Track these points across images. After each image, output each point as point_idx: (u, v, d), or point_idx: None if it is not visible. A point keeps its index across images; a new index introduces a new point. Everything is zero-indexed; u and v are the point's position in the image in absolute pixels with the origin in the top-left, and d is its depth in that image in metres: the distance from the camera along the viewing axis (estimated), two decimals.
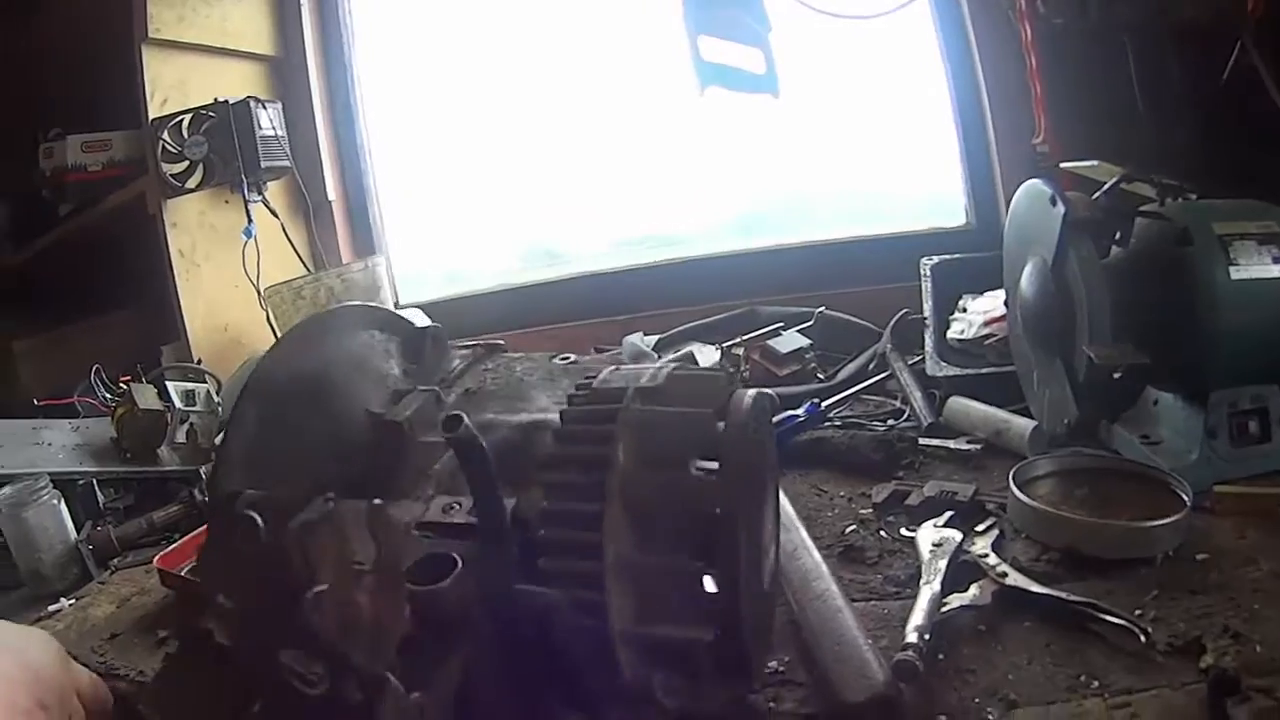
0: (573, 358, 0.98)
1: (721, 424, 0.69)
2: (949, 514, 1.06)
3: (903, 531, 1.07)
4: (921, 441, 1.30)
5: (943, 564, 0.94)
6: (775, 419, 1.37)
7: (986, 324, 1.47)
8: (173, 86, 2.04)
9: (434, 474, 0.76)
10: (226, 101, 1.97)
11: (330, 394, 0.85)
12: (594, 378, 0.78)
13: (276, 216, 2.10)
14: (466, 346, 1.03)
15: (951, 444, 1.28)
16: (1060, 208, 1.10)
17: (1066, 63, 1.41)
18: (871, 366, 1.58)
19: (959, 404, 1.34)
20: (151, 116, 1.96)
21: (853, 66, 1.92)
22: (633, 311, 2.00)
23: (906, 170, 1.95)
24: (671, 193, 2.21)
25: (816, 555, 0.97)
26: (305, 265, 2.16)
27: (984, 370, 1.37)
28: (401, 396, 0.86)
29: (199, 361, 1.96)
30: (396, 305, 2.29)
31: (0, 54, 2.06)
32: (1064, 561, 0.95)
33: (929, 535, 1.02)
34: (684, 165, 2.15)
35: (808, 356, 1.61)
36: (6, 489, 1.34)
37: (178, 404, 1.64)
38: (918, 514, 1.10)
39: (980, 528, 1.02)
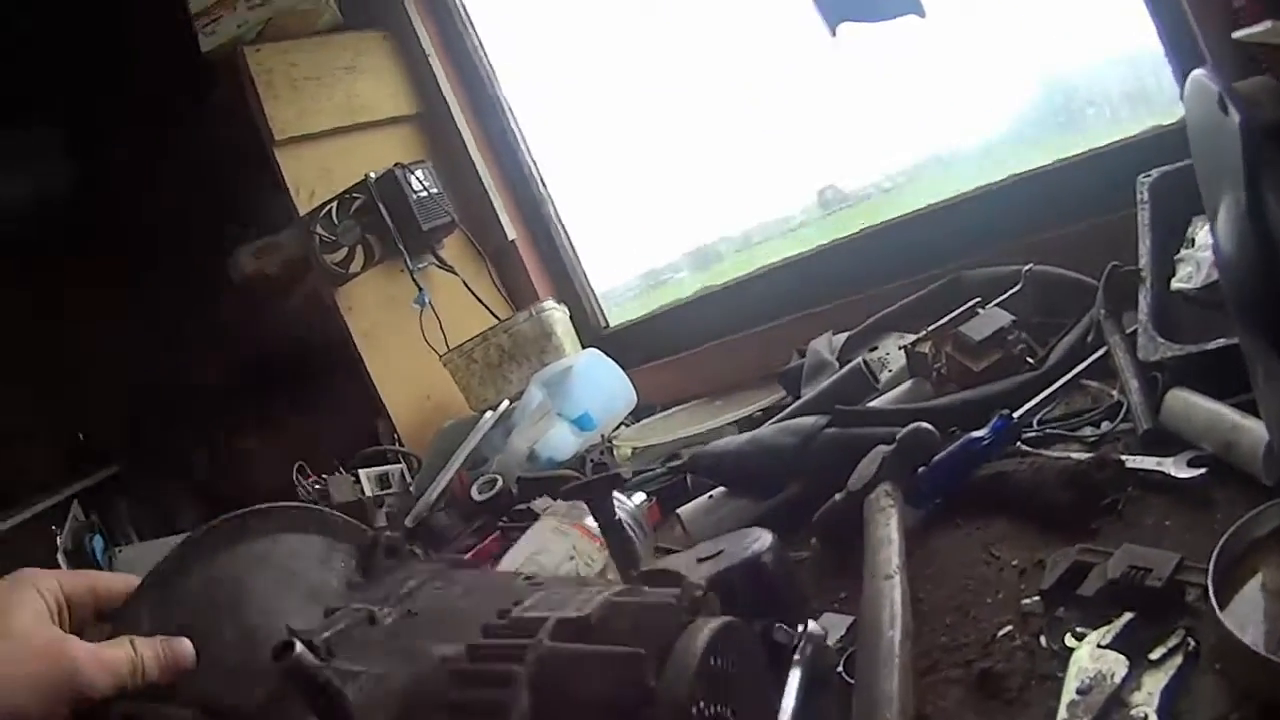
0: (541, 579, 0.82)
1: None
2: (1128, 616, 0.76)
3: (1067, 640, 0.79)
4: (1130, 463, 0.97)
5: None
6: (954, 447, 1.11)
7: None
8: (317, 178, 2.08)
9: None
10: (367, 179, 1.98)
11: (247, 603, 0.75)
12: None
13: (455, 273, 2.09)
14: (434, 559, 0.91)
15: (1170, 467, 0.93)
16: (1234, 115, 0.73)
17: None
18: (1090, 339, 1.22)
19: (1179, 401, 0.97)
20: (302, 212, 2.01)
21: None
22: (835, 298, 1.74)
23: (1102, 63, 1.49)
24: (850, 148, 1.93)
25: None
26: (494, 315, 2.13)
27: (1213, 346, 0.98)
28: (332, 613, 0.74)
29: (397, 440, 2.02)
30: (601, 334, 2.26)
31: (169, 176, 2.24)
32: None
33: (1084, 663, 0.73)
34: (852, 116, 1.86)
35: (1010, 338, 1.28)
36: None
37: (369, 491, 1.72)
38: (1092, 609, 0.80)
39: (1156, 653, 0.71)
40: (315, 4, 2.19)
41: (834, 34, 1.47)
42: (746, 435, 1.36)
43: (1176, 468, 0.92)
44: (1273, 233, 0.72)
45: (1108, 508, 0.94)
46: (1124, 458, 0.97)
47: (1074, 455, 1.03)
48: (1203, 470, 0.90)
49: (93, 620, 0.68)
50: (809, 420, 1.29)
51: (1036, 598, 0.86)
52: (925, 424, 1.09)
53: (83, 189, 2.65)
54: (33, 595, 0.64)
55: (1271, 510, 0.76)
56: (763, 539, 0.95)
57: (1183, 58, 1.31)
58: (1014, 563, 0.94)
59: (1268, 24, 0.80)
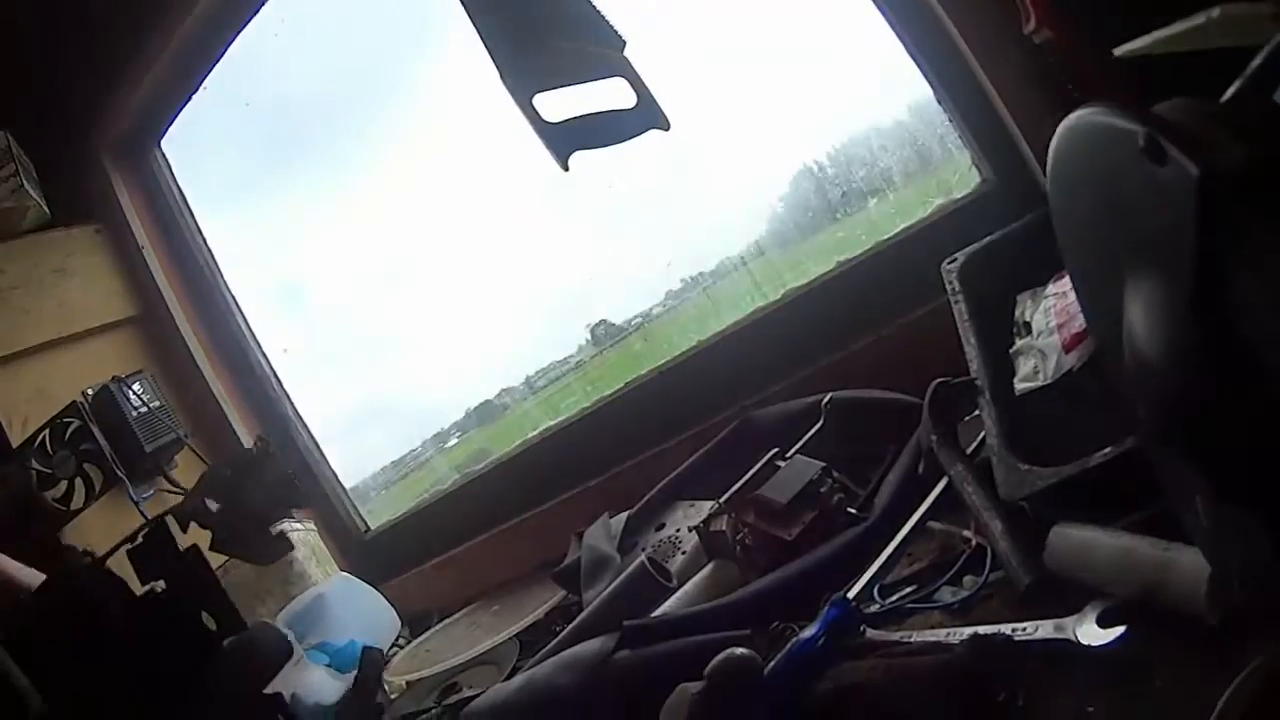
0: None
1: None
2: None
3: None
4: (1020, 635, 0.68)
5: None
6: (779, 662, 0.79)
7: (1067, 345, 0.84)
8: (31, 401, 1.73)
9: None
10: (80, 400, 1.64)
11: None
12: None
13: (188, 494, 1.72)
14: None
15: (1076, 630, 0.64)
16: (1182, 165, 0.45)
17: None
18: (922, 469, 0.95)
19: (1068, 539, 0.70)
20: (15, 444, 1.65)
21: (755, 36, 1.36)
22: (612, 466, 1.47)
23: (881, 143, 1.35)
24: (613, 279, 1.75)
25: None
26: None
27: (1097, 460, 0.72)
28: None
29: None
30: (363, 539, 1.94)
31: None
32: None
33: None
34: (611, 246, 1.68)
35: (824, 490, 1.00)
36: None
37: None
38: None
39: None
40: (19, 201, 1.85)
41: (566, 168, 1.22)
42: (519, 679, 1.03)
43: (1085, 631, 0.64)
44: (1241, 327, 0.46)
45: (1002, 707, 0.64)
46: (1011, 629, 0.68)
47: (940, 637, 0.73)
48: (1121, 629, 0.62)
49: None
50: (593, 647, 0.97)
51: None
52: (738, 650, 0.78)
53: None
54: None
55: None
56: None
57: (960, 102, 1.15)
58: None
59: (1182, 25, 0.56)
